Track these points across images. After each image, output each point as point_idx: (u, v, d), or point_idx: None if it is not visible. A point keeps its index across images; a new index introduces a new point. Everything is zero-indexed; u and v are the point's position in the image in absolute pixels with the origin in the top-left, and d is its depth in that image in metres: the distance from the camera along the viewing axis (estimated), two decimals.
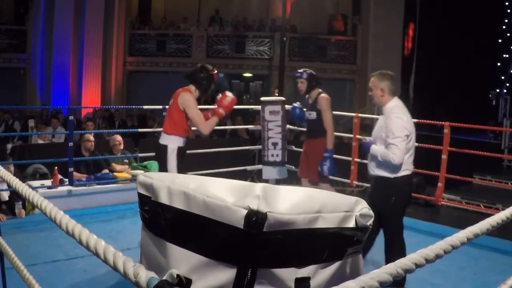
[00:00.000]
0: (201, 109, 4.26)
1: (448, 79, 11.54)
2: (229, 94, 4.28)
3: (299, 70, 5.07)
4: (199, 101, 4.31)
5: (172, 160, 4.12)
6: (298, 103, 5.29)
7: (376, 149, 3.47)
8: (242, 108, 10.44)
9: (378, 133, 3.53)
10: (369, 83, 3.58)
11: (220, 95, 4.29)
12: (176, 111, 4.11)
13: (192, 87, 4.17)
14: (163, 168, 4.19)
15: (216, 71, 4.27)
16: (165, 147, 4.14)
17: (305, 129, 5.56)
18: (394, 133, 3.33)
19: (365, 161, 6.01)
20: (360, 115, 6.61)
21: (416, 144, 5.80)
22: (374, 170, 3.54)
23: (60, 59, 14.01)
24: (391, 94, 3.51)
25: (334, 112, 5.06)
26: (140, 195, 1.09)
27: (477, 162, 6.95)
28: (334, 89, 14.60)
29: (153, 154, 6.23)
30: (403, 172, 3.45)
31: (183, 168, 4.23)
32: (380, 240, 4.25)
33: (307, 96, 5.02)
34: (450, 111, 9.63)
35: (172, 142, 4.14)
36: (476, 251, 4.48)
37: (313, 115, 4.95)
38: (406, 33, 13.71)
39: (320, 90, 4.95)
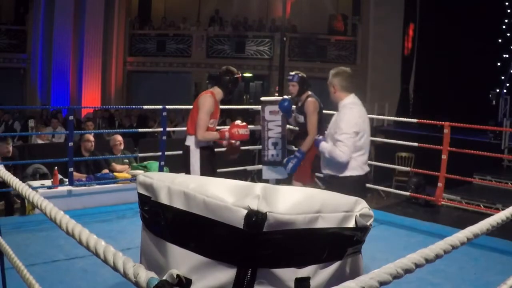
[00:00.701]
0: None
1: (448, 79, 11.54)
2: (244, 126, 4.36)
3: (291, 73, 5.06)
4: (222, 101, 4.39)
5: (194, 161, 4.13)
6: (289, 96, 5.26)
7: (325, 146, 3.39)
8: (242, 108, 10.44)
9: (331, 129, 3.46)
10: None
11: (239, 122, 4.39)
12: (197, 112, 4.14)
13: (216, 89, 4.22)
14: (187, 169, 4.16)
15: (240, 74, 4.35)
16: (187, 148, 4.18)
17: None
18: (342, 129, 3.23)
19: None
20: None
21: (416, 144, 5.84)
22: (323, 169, 3.50)
23: (60, 59, 14.01)
24: (344, 90, 3.44)
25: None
26: (140, 195, 1.09)
27: (477, 162, 6.95)
28: None
29: (153, 154, 6.26)
30: (351, 172, 3.33)
31: (211, 169, 4.25)
32: (379, 242, 4.25)
33: (297, 99, 5.02)
34: (450, 111, 9.62)
35: (194, 143, 4.16)
36: (476, 251, 4.48)
37: (301, 118, 4.93)
38: (406, 33, 13.70)
39: (309, 93, 4.92)
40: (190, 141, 4.19)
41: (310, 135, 4.77)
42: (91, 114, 12.10)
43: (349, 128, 3.24)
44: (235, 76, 4.28)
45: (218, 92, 4.21)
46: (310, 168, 4.96)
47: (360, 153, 3.34)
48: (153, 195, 1.04)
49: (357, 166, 3.36)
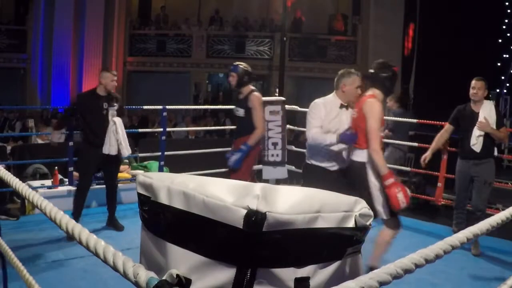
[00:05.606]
0: None
1: (448, 79, 11.55)
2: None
3: (234, 63, 4.84)
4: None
5: (374, 181, 3.44)
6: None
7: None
8: None
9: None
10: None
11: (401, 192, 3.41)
12: (363, 120, 3.50)
13: (375, 91, 3.57)
14: (363, 189, 3.40)
15: (397, 67, 3.74)
16: (362, 165, 3.49)
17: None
18: None
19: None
20: None
21: (416, 144, 5.84)
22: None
23: (60, 59, 14.02)
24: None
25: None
26: (139, 195, 1.08)
27: None
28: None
29: (153, 154, 6.26)
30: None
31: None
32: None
33: (237, 90, 4.78)
34: (450, 111, 9.60)
35: (368, 158, 3.52)
36: None
37: (241, 112, 4.66)
38: (406, 33, 13.73)
39: (252, 87, 4.72)
40: (362, 156, 3.50)
41: (259, 130, 4.59)
42: None
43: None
44: (393, 70, 3.65)
45: (378, 93, 3.56)
46: (253, 165, 4.82)
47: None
48: (153, 195, 1.04)
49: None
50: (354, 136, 3.55)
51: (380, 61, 3.71)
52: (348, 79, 3.76)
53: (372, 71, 3.63)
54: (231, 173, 4.63)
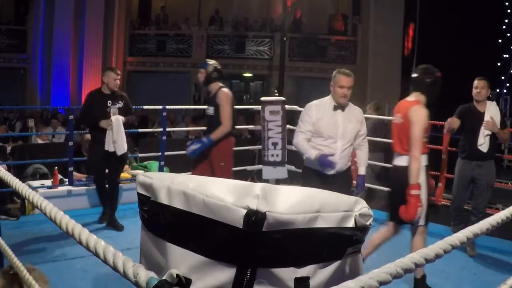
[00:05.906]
0: None
1: (448, 79, 11.54)
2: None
3: (205, 60, 4.80)
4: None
5: (421, 181, 3.37)
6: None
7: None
8: (242, 108, 10.43)
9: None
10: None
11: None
12: (407, 125, 3.42)
13: (419, 96, 3.49)
14: (402, 198, 3.35)
15: (439, 72, 3.58)
16: (405, 170, 3.40)
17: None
18: None
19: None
20: None
21: None
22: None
23: (60, 59, 14.02)
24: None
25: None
26: (139, 195, 1.09)
27: None
28: None
29: (153, 154, 6.26)
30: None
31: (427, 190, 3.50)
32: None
33: (206, 88, 4.69)
34: (450, 111, 9.60)
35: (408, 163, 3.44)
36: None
37: (211, 110, 4.51)
38: (406, 33, 13.72)
39: (221, 85, 4.55)
40: (406, 161, 3.42)
41: (223, 126, 4.39)
42: None
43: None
44: (436, 75, 3.53)
45: (422, 99, 3.48)
46: (232, 165, 4.69)
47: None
48: (153, 195, 1.04)
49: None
50: (331, 164, 3.57)
51: (423, 66, 3.62)
52: (333, 78, 3.71)
53: (414, 75, 3.54)
54: (194, 168, 4.51)
